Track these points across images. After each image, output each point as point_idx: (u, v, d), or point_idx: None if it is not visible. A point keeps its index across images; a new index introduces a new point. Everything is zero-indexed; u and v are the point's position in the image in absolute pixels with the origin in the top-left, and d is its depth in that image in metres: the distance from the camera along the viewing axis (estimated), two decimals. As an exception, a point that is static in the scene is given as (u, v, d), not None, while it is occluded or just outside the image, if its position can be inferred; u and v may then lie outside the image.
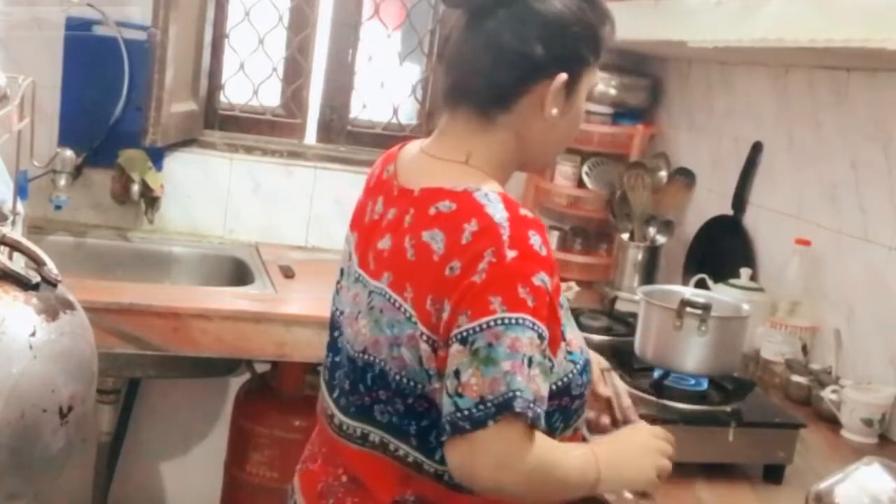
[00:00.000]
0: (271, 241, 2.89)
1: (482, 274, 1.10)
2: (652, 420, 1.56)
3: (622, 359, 1.76)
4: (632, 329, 1.91)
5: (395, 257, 1.20)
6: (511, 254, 1.11)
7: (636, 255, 2.63)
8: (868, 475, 1.33)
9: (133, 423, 2.84)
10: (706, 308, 1.62)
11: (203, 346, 2.21)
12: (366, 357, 1.23)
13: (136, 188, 2.66)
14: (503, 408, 1.08)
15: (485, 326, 1.10)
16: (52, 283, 1.36)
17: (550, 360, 1.17)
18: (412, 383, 1.18)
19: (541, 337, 1.11)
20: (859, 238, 2.01)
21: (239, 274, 2.67)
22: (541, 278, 1.12)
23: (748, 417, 1.61)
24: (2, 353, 1.25)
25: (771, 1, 1.69)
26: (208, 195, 2.85)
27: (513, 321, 1.09)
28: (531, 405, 1.09)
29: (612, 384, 1.44)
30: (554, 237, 2.89)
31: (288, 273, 2.60)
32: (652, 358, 1.70)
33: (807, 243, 2.11)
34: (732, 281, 2.19)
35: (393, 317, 1.18)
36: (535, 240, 1.13)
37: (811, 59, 2.07)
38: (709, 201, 2.55)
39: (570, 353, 1.24)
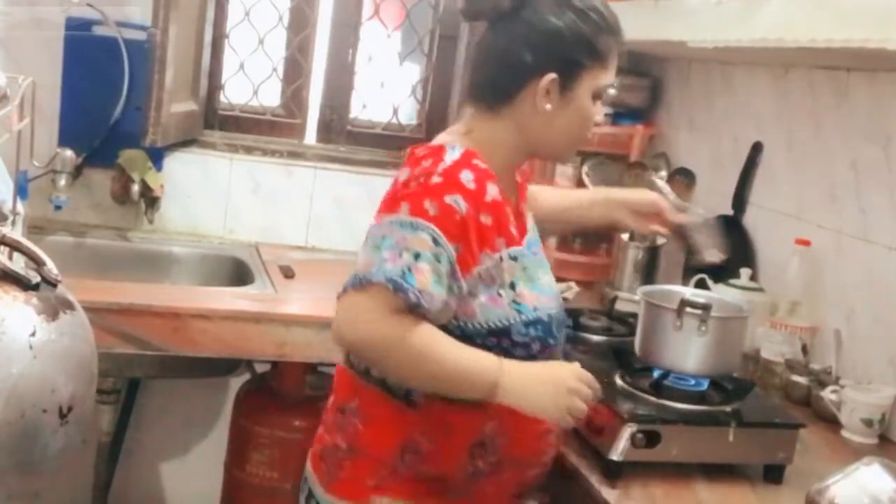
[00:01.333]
0: (271, 241, 2.89)
1: (408, 189, 1.37)
2: (651, 421, 1.56)
3: (622, 359, 1.76)
4: (632, 329, 1.91)
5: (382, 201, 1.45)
6: (436, 179, 1.37)
7: (636, 255, 2.62)
8: (868, 475, 1.33)
9: (133, 423, 2.84)
10: (706, 308, 1.61)
11: (203, 346, 2.21)
12: None
13: (136, 188, 2.66)
14: (364, 280, 1.33)
15: (385, 223, 1.36)
16: (52, 283, 1.36)
17: (455, 273, 1.35)
18: None
19: (435, 241, 1.33)
20: (859, 238, 2.01)
21: (239, 274, 2.67)
22: (454, 199, 1.35)
23: (748, 417, 1.61)
24: (2, 353, 1.26)
25: (771, 1, 1.69)
26: (208, 195, 2.85)
27: (408, 223, 1.34)
28: (399, 282, 1.30)
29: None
30: (554, 237, 2.89)
31: (288, 273, 2.60)
32: (652, 358, 1.70)
33: (807, 243, 2.11)
34: (732, 281, 2.19)
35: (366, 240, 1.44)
36: (465, 176, 1.37)
37: (811, 59, 2.07)
38: (709, 201, 2.55)
39: (518, 303, 1.42)
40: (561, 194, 1.88)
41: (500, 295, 1.41)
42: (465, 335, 1.40)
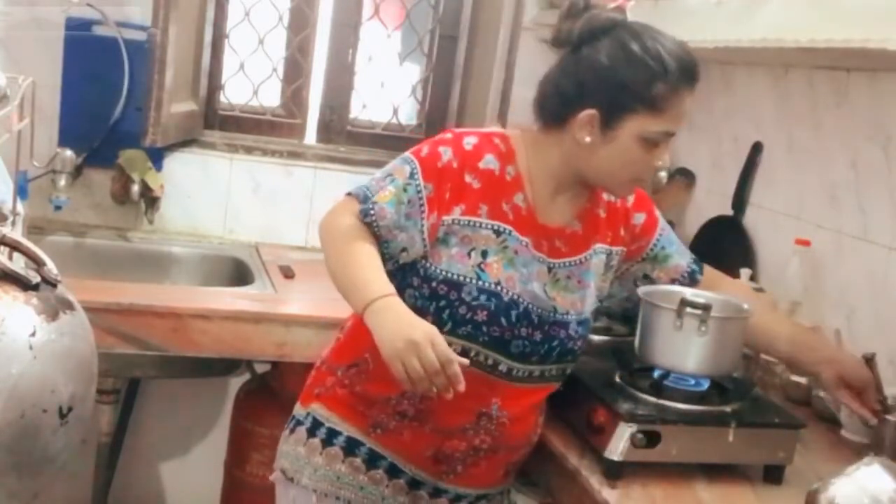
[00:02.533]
0: (271, 241, 2.89)
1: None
2: (651, 421, 1.56)
3: (622, 359, 1.76)
4: (632, 329, 1.91)
5: None
6: (446, 136, 1.58)
7: (636, 255, 2.62)
8: (868, 475, 1.32)
9: (133, 423, 2.84)
10: (706, 308, 1.61)
11: (203, 346, 2.21)
12: None
13: (136, 188, 2.66)
14: (352, 191, 1.56)
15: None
16: (52, 284, 1.36)
17: (422, 208, 1.51)
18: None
19: (411, 174, 1.53)
20: (859, 238, 2.01)
21: (239, 274, 2.67)
22: (444, 150, 1.54)
23: (748, 418, 1.61)
24: (2, 353, 1.26)
25: (771, 1, 1.69)
26: (208, 195, 2.85)
27: (402, 157, 1.57)
28: (363, 191, 1.53)
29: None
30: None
31: (288, 273, 2.60)
32: (652, 358, 1.70)
33: (807, 243, 2.11)
34: (732, 281, 2.19)
35: None
36: (469, 140, 1.56)
37: (811, 59, 2.07)
38: (709, 201, 2.55)
39: (482, 269, 1.53)
40: (774, 318, 1.83)
41: (468, 255, 1.54)
42: (426, 276, 1.54)
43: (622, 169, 1.54)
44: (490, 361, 1.55)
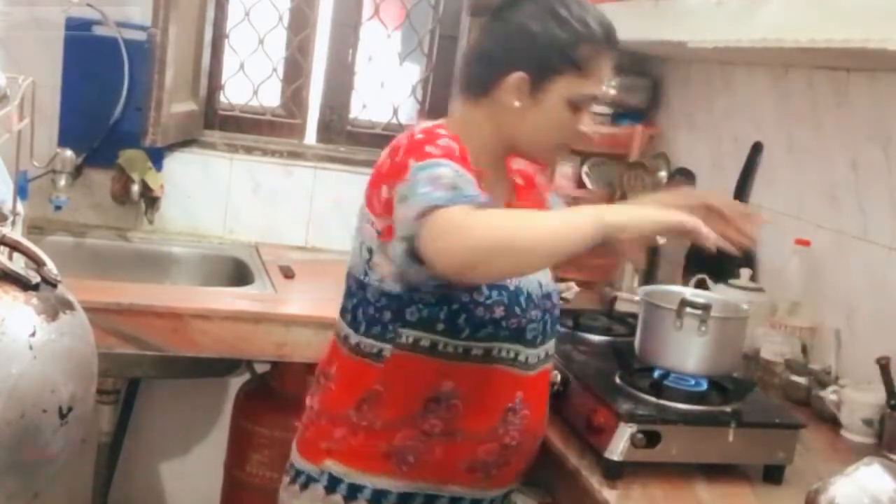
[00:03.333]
0: (271, 241, 2.89)
1: (401, 154, 1.43)
2: (651, 421, 1.56)
3: (622, 359, 1.76)
4: (632, 329, 1.91)
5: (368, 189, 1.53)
6: (419, 136, 1.45)
7: (636, 255, 2.62)
8: (868, 475, 1.32)
9: (133, 423, 2.84)
10: (706, 308, 1.61)
11: (203, 346, 2.21)
12: (349, 272, 1.57)
13: (136, 188, 2.66)
14: (422, 215, 1.30)
15: (408, 179, 1.37)
16: (52, 284, 1.36)
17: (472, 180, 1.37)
18: (354, 268, 1.53)
19: (455, 171, 1.35)
20: (859, 238, 2.01)
21: (239, 274, 2.67)
22: (447, 141, 1.43)
23: (748, 418, 1.61)
24: (2, 353, 1.25)
25: (771, 1, 1.69)
26: (208, 195, 2.85)
27: (422, 165, 1.37)
28: (453, 201, 1.29)
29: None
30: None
31: (288, 273, 2.60)
32: (652, 358, 1.70)
33: (806, 244, 2.11)
34: (732, 281, 2.19)
35: (359, 222, 1.53)
36: (441, 132, 1.45)
37: (811, 60, 2.07)
38: (709, 201, 2.55)
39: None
40: None
41: None
42: (442, 285, 1.41)
43: (550, 133, 1.53)
44: (512, 355, 1.51)
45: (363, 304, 1.51)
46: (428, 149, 1.41)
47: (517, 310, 1.50)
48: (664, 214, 1.36)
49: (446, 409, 1.48)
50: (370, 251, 1.49)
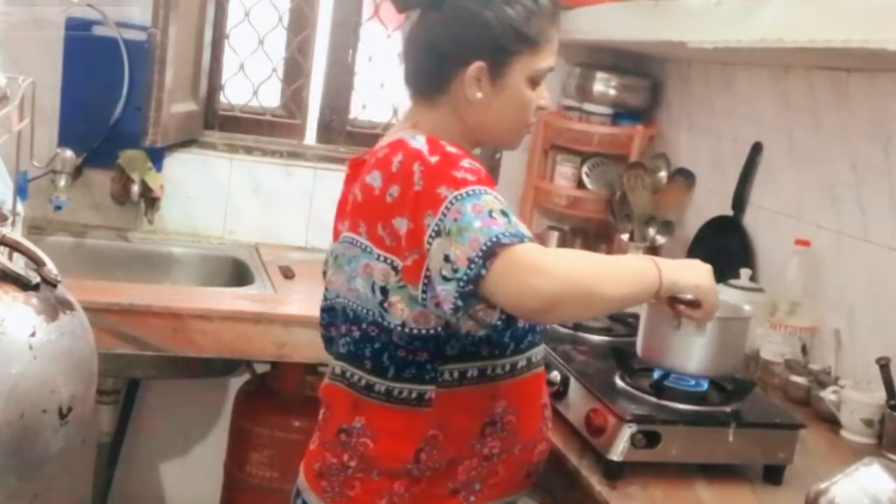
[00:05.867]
0: (271, 241, 2.89)
1: (419, 181, 1.29)
2: (651, 421, 1.56)
3: (622, 359, 1.76)
4: (632, 329, 1.91)
5: (349, 206, 1.44)
6: (434, 158, 1.31)
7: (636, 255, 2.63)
8: (868, 475, 1.32)
9: (133, 423, 2.84)
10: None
11: (203, 346, 2.21)
12: (337, 301, 1.46)
13: (135, 189, 2.66)
14: (489, 252, 1.22)
15: (446, 211, 1.26)
16: (52, 284, 1.36)
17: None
18: (364, 310, 1.39)
19: (497, 198, 1.28)
20: (859, 238, 2.01)
21: (239, 274, 2.67)
22: (469, 162, 1.32)
23: (748, 418, 1.61)
24: (2, 353, 1.26)
25: (771, 1, 1.69)
26: (208, 195, 2.85)
27: (463, 194, 1.27)
28: (517, 236, 1.23)
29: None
30: (554, 237, 2.89)
31: (288, 273, 2.60)
32: (654, 359, 1.70)
33: (806, 244, 2.11)
34: (732, 281, 2.19)
35: (350, 254, 1.40)
36: (450, 147, 1.34)
37: (811, 60, 2.07)
38: (709, 201, 2.55)
39: None
40: None
41: None
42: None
43: (516, 116, 1.47)
44: (539, 356, 1.51)
45: (389, 349, 1.38)
46: (457, 174, 1.29)
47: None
48: (710, 284, 1.41)
49: (502, 429, 1.44)
50: (384, 291, 1.35)
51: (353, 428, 1.42)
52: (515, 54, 1.42)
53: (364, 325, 1.39)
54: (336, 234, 1.50)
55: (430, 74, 1.45)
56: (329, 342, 1.53)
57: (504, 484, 1.48)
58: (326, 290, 1.51)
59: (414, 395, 1.39)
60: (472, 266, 1.22)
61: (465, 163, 1.31)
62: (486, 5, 1.40)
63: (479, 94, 1.42)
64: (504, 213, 1.26)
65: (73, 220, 2.72)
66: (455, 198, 1.26)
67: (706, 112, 2.62)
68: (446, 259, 1.25)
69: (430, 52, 1.44)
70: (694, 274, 1.40)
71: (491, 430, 1.43)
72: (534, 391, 1.49)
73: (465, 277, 1.23)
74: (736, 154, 2.44)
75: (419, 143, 1.35)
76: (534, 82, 1.45)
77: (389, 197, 1.32)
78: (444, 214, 1.26)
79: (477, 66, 1.40)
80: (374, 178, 1.36)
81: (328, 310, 1.51)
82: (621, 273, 1.34)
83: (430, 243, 1.27)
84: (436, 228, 1.27)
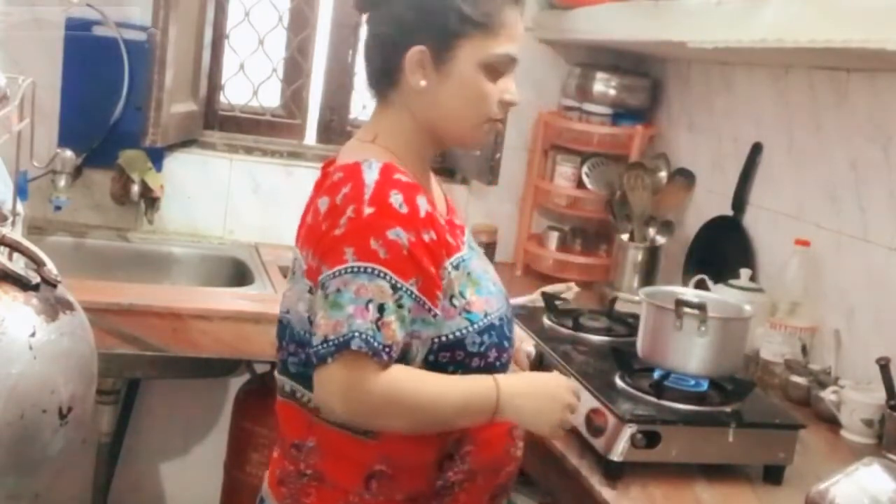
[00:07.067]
0: (271, 241, 2.88)
1: (342, 228, 1.27)
2: (651, 421, 1.56)
3: (622, 359, 1.76)
4: (632, 329, 1.91)
5: (304, 225, 1.40)
6: (368, 210, 1.27)
7: (636, 255, 2.63)
8: (868, 475, 1.33)
9: (133, 423, 2.84)
10: (702, 308, 1.62)
11: (203, 346, 2.21)
12: (286, 316, 1.42)
13: (135, 189, 2.66)
14: (342, 346, 1.23)
15: (336, 274, 1.26)
16: (52, 284, 1.36)
17: (424, 304, 1.29)
18: (307, 335, 1.33)
19: (394, 287, 1.25)
20: (859, 238, 2.01)
21: (239, 274, 2.67)
22: (396, 233, 1.26)
23: (748, 418, 1.61)
24: (2, 354, 1.26)
25: (771, 1, 1.69)
26: (208, 195, 2.85)
27: (360, 269, 1.25)
28: (373, 344, 1.23)
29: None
30: (554, 237, 2.89)
31: (287, 273, 2.60)
32: (654, 359, 1.70)
33: (806, 244, 2.11)
34: (732, 281, 2.19)
35: (297, 274, 1.39)
36: (395, 198, 1.28)
37: (811, 60, 2.07)
38: (709, 202, 2.56)
39: (468, 312, 1.35)
40: None
41: (453, 305, 1.33)
42: (417, 356, 1.32)
43: (470, 107, 1.36)
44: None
45: None
46: (373, 242, 1.25)
47: (506, 343, 1.41)
48: (549, 429, 1.37)
49: (461, 460, 1.38)
50: (310, 321, 1.32)
51: (304, 445, 1.39)
52: (460, 37, 1.33)
53: (308, 350, 1.32)
54: (297, 239, 1.45)
55: (377, 67, 1.40)
56: (281, 361, 1.45)
57: None
58: (283, 299, 1.46)
59: (361, 429, 1.34)
60: (324, 346, 1.25)
61: (392, 233, 1.26)
62: None
63: (423, 82, 1.35)
64: (381, 309, 1.24)
65: (73, 220, 2.72)
66: (349, 269, 1.25)
67: (706, 112, 2.62)
68: (316, 316, 1.28)
69: (376, 42, 1.40)
70: (531, 419, 1.36)
71: (450, 464, 1.38)
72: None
73: (315, 351, 1.26)
74: (736, 154, 2.44)
75: (371, 178, 1.29)
76: (491, 72, 1.36)
77: (323, 227, 1.31)
78: (333, 276, 1.26)
79: (417, 49, 1.33)
80: (322, 203, 1.33)
81: (279, 323, 1.46)
82: (452, 403, 1.31)
83: (313, 291, 1.31)
84: (322, 282, 1.28)
